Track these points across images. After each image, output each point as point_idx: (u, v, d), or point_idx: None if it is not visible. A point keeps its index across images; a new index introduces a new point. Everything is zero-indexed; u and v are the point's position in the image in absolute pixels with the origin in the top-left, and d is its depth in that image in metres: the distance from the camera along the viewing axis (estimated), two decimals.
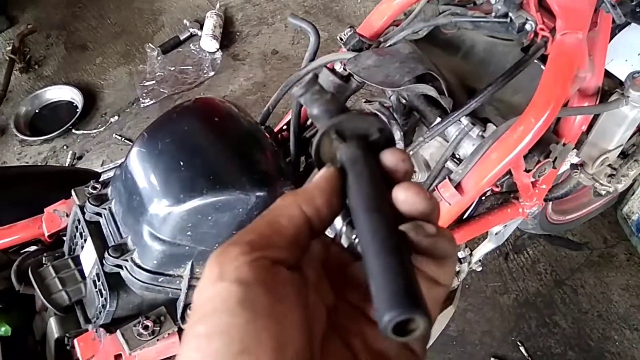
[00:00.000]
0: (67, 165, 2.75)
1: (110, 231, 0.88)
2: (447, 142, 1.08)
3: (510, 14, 1.02)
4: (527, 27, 1.01)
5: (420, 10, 1.14)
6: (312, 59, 1.16)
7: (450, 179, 0.95)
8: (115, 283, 0.84)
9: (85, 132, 2.86)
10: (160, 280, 0.83)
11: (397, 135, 1.03)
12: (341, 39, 1.10)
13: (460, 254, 1.39)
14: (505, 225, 1.30)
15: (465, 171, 0.94)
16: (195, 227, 0.77)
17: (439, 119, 1.05)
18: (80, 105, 2.91)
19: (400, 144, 1.04)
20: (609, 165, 1.34)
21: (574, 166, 1.19)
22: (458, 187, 0.95)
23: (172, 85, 2.94)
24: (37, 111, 3.00)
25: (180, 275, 0.83)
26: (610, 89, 1.08)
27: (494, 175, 0.94)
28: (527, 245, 2.14)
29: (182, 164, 0.78)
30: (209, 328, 0.29)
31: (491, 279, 2.08)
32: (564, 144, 1.05)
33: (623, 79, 1.17)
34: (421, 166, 1.15)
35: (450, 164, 1.02)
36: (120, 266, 0.83)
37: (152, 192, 0.79)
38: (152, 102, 2.90)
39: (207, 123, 0.84)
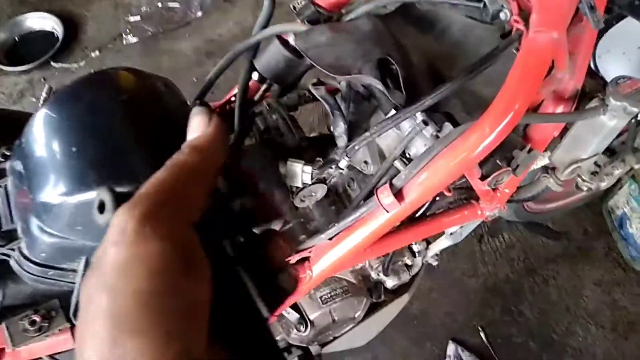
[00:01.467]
0: (42, 99, 2.65)
1: (2, 213, 0.80)
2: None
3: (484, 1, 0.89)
4: (502, 15, 0.88)
5: None
6: (265, 26, 1.03)
7: (391, 184, 0.85)
8: (3, 271, 0.77)
9: (64, 65, 2.73)
10: (50, 273, 0.75)
11: (340, 128, 0.92)
12: (294, 8, 0.97)
13: (415, 247, 1.31)
14: (462, 226, 1.22)
15: (409, 177, 0.84)
16: (86, 222, 0.68)
17: (393, 111, 0.94)
18: (60, 37, 2.77)
19: (343, 138, 0.93)
20: (595, 163, 1.23)
21: (544, 169, 1.08)
22: (399, 194, 0.85)
23: (157, 23, 2.78)
24: (16, 39, 2.86)
25: (74, 269, 0.75)
26: (592, 91, 0.96)
27: (439, 185, 0.84)
28: (503, 229, 2.05)
29: (75, 149, 0.68)
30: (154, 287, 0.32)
31: (462, 260, 2.01)
32: (530, 150, 0.94)
33: (618, 75, 1.04)
34: (375, 157, 1.04)
35: (398, 164, 0.92)
36: (7, 255, 0.76)
37: (41, 178, 0.70)
38: (135, 39, 2.75)
39: (119, 102, 0.73)
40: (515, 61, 0.83)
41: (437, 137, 0.91)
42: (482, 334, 1.88)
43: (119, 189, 0.40)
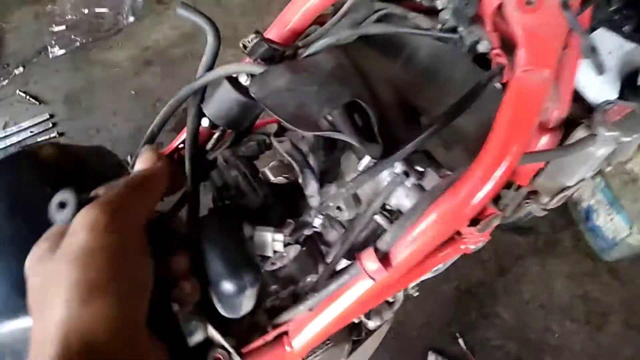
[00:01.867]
0: None
1: None
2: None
3: (459, 29, 0.79)
4: (480, 47, 0.78)
5: (348, 9, 0.88)
6: (211, 67, 0.90)
7: (376, 248, 0.76)
8: None
9: None
10: None
11: (312, 187, 0.81)
12: (245, 47, 0.84)
13: None
14: None
15: (395, 238, 0.74)
16: None
17: (368, 158, 0.83)
18: None
19: (315, 198, 0.82)
20: None
21: (527, 195, 1.02)
22: (385, 258, 0.76)
23: (86, 31, 2.55)
24: None
25: None
26: (577, 117, 0.89)
27: (430, 244, 0.75)
28: None
29: None
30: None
31: None
32: (518, 188, 0.86)
33: (588, 79, 0.97)
34: (350, 202, 0.93)
35: (379, 219, 0.82)
36: None
37: None
38: (62, 51, 2.51)
39: (41, 184, 0.60)
40: (503, 103, 0.74)
41: (420, 186, 0.82)
42: (460, 341, 1.84)
43: None
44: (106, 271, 0.42)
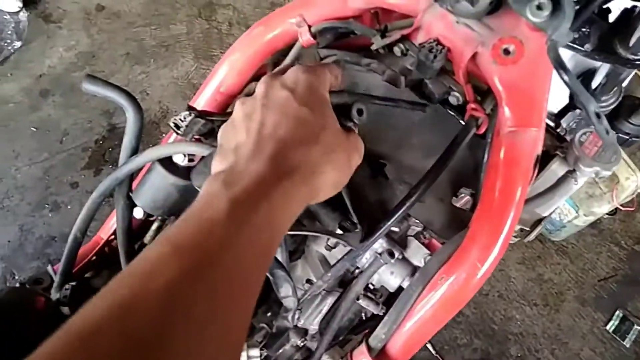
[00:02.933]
0: None
1: None
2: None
3: (426, 81, 0.69)
4: (451, 99, 0.69)
5: (293, 61, 0.75)
6: (134, 151, 0.75)
7: (369, 346, 0.66)
8: None
9: None
10: None
11: (286, 289, 0.69)
12: (177, 126, 0.69)
13: None
14: None
15: (390, 333, 0.65)
16: None
17: (339, 231, 0.72)
18: None
19: (291, 299, 0.70)
20: None
21: None
22: (380, 355, 0.66)
23: None
24: None
25: None
26: (548, 147, 0.83)
27: (430, 331, 0.66)
28: None
29: None
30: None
31: None
32: None
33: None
34: (316, 267, 0.83)
35: (364, 303, 0.72)
36: None
37: None
38: None
39: None
40: (491, 167, 0.65)
41: (405, 260, 0.72)
42: (428, 345, 1.81)
43: None
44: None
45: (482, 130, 0.69)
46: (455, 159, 0.81)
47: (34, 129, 2.12)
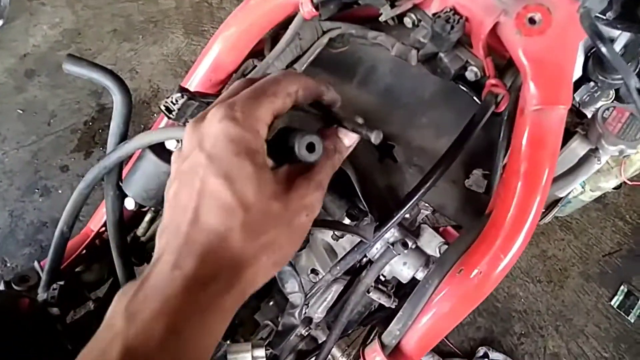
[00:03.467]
0: None
1: None
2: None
3: (441, 55, 0.63)
4: (469, 74, 0.63)
5: (294, 35, 0.69)
6: (122, 137, 0.69)
7: (382, 343, 0.61)
8: None
9: None
10: None
11: (292, 285, 0.63)
12: (168, 110, 0.63)
13: None
14: None
15: (404, 329, 0.60)
16: None
17: (347, 220, 0.67)
18: None
19: (298, 295, 0.65)
20: None
21: None
22: (394, 352, 0.62)
23: None
24: None
25: None
26: (567, 125, 0.77)
27: (446, 327, 0.62)
28: None
29: None
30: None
31: None
32: None
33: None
34: (322, 256, 0.78)
35: (375, 295, 0.67)
36: None
37: None
38: None
39: None
40: (515, 149, 0.60)
41: (419, 249, 0.68)
42: None
43: None
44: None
45: (501, 108, 0.63)
46: (439, 123, 0.76)
47: (20, 111, 2.04)
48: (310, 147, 0.44)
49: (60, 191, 1.91)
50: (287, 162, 0.44)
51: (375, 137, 0.47)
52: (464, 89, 0.74)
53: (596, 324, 1.83)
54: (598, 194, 1.71)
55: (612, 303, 1.85)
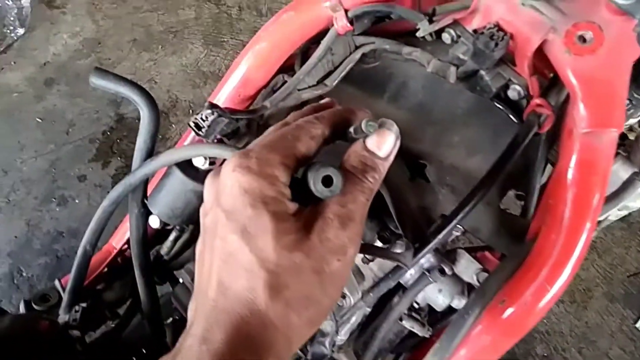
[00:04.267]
0: None
1: None
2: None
3: (481, 73, 0.60)
4: (511, 93, 0.61)
5: (326, 50, 0.67)
6: (149, 153, 0.67)
7: None
8: None
9: None
10: None
11: (327, 325, 0.60)
12: (198, 127, 0.61)
13: None
14: None
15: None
16: None
17: (378, 242, 0.65)
18: None
19: (329, 323, 0.63)
20: None
21: None
22: None
23: None
24: None
25: None
26: None
27: None
28: None
29: None
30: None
31: None
32: None
33: None
34: (353, 285, 0.75)
35: (408, 324, 0.64)
36: None
37: None
38: None
39: None
40: (560, 172, 0.57)
41: (455, 276, 0.64)
42: None
43: None
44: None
45: (545, 129, 0.60)
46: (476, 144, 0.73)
47: (39, 120, 2.05)
48: (327, 181, 0.39)
49: (77, 201, 1.90)
50: (313, 202, 0.40)
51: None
52: (500, 107, 0.71)
53: (621, 347, 1.77)
54: (624, 213, 1.66)
55: (637, 325, 1.79)
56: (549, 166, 0.76)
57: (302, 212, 0.39)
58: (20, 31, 2.18)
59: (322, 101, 0.49)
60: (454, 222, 0.58)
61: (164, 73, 2.16)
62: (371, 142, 0.41)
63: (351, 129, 0.43)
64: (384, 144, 0.41)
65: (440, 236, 0.57)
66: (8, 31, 2.17)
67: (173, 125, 2.03)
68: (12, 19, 2.18)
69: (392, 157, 0.42)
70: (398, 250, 0.59)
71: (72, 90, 2.10)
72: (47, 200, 1.90)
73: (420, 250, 0.58)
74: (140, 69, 2.16)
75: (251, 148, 0.39)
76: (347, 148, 0.43)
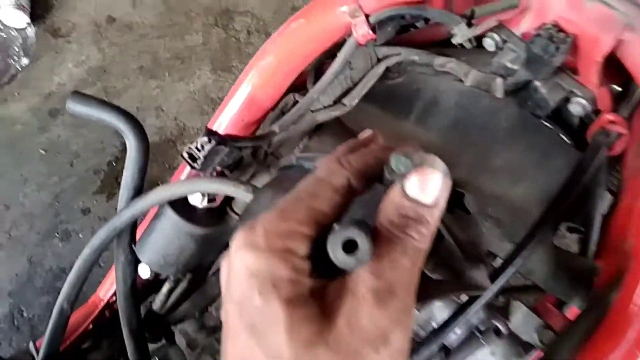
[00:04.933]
0: None
1: None
2: None
3: (536, 83, 0.49)
4: (574, 108, 0.50)
5: (344, 64, 0.57)
6: (137, 190, 0.56)
7: None
8: None
9: None
10: None
11: None
12: (192, 158, 0.51)
13: None
14: None
15: None
16: None
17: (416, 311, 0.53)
18: None
19: None
20: None
21: None
22: None
23: None
24: None
25: None
26: None
27: None
28: None
29: None
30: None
31: None
32: None
33: None
34: None
35: None
36: None
37: None
38: None
39: None
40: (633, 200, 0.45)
41: (512, 335, 0.53)
42: None
43: None
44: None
45: (618, 151, 0.49)
46: (551, 183, 0.62)
47: (43, 152, 1.98)
48: (350, 246, 0.29)
49: (80, 235, 1.81)
50: (341, 274, 0.29)
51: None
52: (549, 125, 0.61)
53: None
54: None
55: None
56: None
57: (326, 289, 0.28)
58: (25, 61, 2.12)
59: (362, 135, 0.38)
60: (511, 269, 0.46)
61: (171, 100, 2.08)
62: (411, 186, 0.30)
63: (386, 170, 0.32)
64: (428, 186, 0.30)
65: (495, 287, 0.46)
66: (13, 62, 2.11)
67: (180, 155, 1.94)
68: (16, 49, 2.13)
69: (443, 203, 0.31)
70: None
71: (76, 121, 2.03)
72: (50, 235, 1.82)
73: (468, 305, 0.47)
74: (147, 96, 2.09)
75: (258, 220, 0.30)
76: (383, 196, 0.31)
